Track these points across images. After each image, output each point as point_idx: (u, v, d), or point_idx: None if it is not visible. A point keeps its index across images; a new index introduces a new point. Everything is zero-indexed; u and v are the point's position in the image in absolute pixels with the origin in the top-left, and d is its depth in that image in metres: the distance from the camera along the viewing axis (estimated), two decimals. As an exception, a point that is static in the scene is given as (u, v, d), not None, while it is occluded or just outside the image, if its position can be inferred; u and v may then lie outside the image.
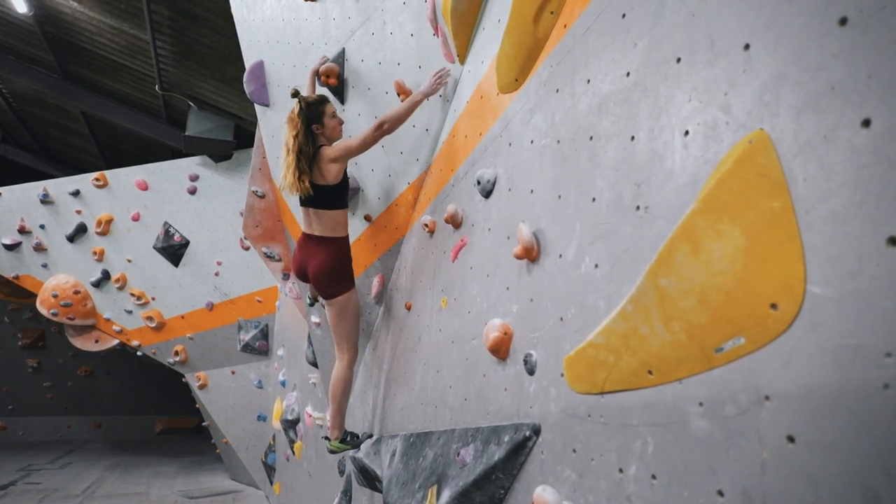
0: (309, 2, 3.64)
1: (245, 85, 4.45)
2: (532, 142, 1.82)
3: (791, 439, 0.84)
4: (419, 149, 3.02)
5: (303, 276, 3.18)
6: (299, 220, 4.34)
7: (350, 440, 3.21)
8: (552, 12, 1.76)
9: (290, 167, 2.85)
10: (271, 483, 7.97)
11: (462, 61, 2.66)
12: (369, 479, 3.18)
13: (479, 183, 2.13)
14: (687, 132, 1.13)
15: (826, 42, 0.86)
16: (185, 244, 8.82)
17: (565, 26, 1.70)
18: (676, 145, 1.15)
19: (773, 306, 0.87)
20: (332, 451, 3.21)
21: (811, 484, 0.81)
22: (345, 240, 3.14)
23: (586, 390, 1.33)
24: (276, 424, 7.37)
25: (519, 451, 1.58)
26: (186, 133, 7.82)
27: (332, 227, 3.06)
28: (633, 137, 1.30)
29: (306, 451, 5.67)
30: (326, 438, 3.19)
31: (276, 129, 4.40)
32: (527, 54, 1.88)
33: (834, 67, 0.85)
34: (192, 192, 8.70)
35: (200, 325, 9.03)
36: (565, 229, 1.54)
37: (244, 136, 8.38)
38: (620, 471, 1.20)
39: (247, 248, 8.74)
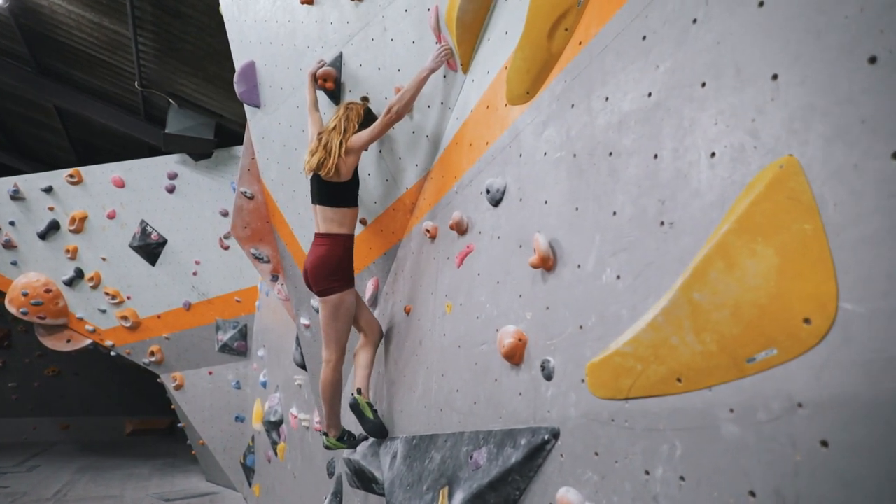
0: (305, 5, 3.64)
1: (235, 85, 4.42)
2: (545, 154, 1.88)
3: (825, 444, 0.91)
4: (418, 154, 3.06)
5: (306, 279, 3.13)
6: (290, 221, 4.36)
7: (347, 439, 3.23)
8: (567, 29, 1.82)
9: (332, 147, 2.96)
10: (250, 485, 7.91)
11: (465, 70, 2.71)
12: (365, 481, 3.21)
13: (488, 192, 2.18)
14: (713, 154, 1.20)
15: (856, 77, 0.94)
16: (163, 243, 8.70)
17: (580, 43, 1.76)
18: (702, 165, 1.22)
19: (807, 321, 0.94)
20: (327, 448, 3.25)
21: (844, 485, 0.88)
22: (347, 237, 3.10)
23: (610, 396, 1.39)
24: (257, 426, 7.33)
25: (536, 454, 1.64)
26: (166, 131, 7.71)
27: (337, 224, 3.05)
28: (656, 156, 1.36)
29: (290, 452, 5.66)
30: (325, 434, 3.20)
31: (266, 131, 4.40)
32: (539, 68, 1.94)
33: (863, 101, 0.92)
34: (171, 190, 8.58)
35: (177, 325, 8.92)
36: (583, 241, 1.60)
37: (225, 134, 8.30)
38: (647, 473, 1.27)
39: (226, 248, 8.66)
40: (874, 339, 0.86)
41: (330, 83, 3.48)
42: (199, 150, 8.18)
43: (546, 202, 1.83)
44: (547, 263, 1.73)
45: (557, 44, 1.86)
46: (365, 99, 3.31)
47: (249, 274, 8.66)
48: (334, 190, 3.05)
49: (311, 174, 3.12)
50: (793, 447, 0.96)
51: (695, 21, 1.30)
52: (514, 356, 1.82)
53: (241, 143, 8.56)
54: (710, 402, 1.12)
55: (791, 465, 0.96)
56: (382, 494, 3.01)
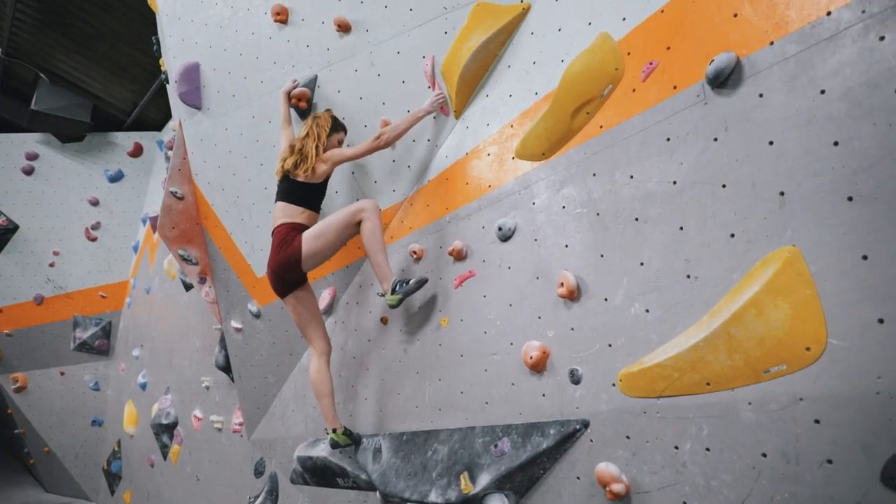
0: (278, 22, 3.81)
1: (175, 85, 4.37)
2: (564, 207, 2.41)
3: (817, 421, 1.55)
4: (397, 182, 3.43)
5: (276, 281, 3.19)
6: (228, 226, 4.42)
7: (348, 435, 3.16)
8: (588, 112, 2.38)
9: (308, 150, 3.18)
10: (113, 492, 7.45)
11: (457, 116, 3.16)
12: (326, 477, 3.48)
13: (499, 229, 2.66)
14: (733, 235, 1.81)
15: (840, 208, 1.59)
16: (13, 229, 7.83)
17: (601, 127, 2.32)
18: (722, 241, 1.83)
19: (808, 349, 1.57)
20: (335, 446, 3.15)
21: (831, 444, 1.51)
22: (303, 226, 3.21)
23: (642, 395, 1.95)
24: (130, 429, 6.98)
25: (566, 441, 2.16)
26: (34, 107, 7.01)
27: (296, 216, 3.21)
28: (681, 228, 1.96)
29: (190, 455, 5.57)
30: (334, 431, 3.12)
31: (206, 134, 4.41)
32: (559, 137, 2.47)
33: (843, 222, 1.58)
34: (29, 171, 7.77)
35: (23, 321, 8.07)
36: (610, 281, 2.16)
37: (101, 118, 7.73)
38: (676, 447, 1.85)
39: (93, 239, 8.04)
40: (850, 361, 1.51)
41: (303, 102, 3.70)
42: (70, 132, 7.54)
43: (567, 246, 2.36)
44: (572, 295, 2.26)
45: (578, 122, 2.41)
46: (328, 110, 3.52)
47: (119, 268, 8.16)
48: (302, 189, 3.23)
49: (282, 176, 3.30)
50: (795, 424, 1.59)
51: (716, 139, 1.91)
52: (539, 365, 2.33)
53: (119, 129, 8.04)
54: (734, 398, 1.72)
55: (794, 435, 1.58)
56: (351, 487, 3.33)
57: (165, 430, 5.90)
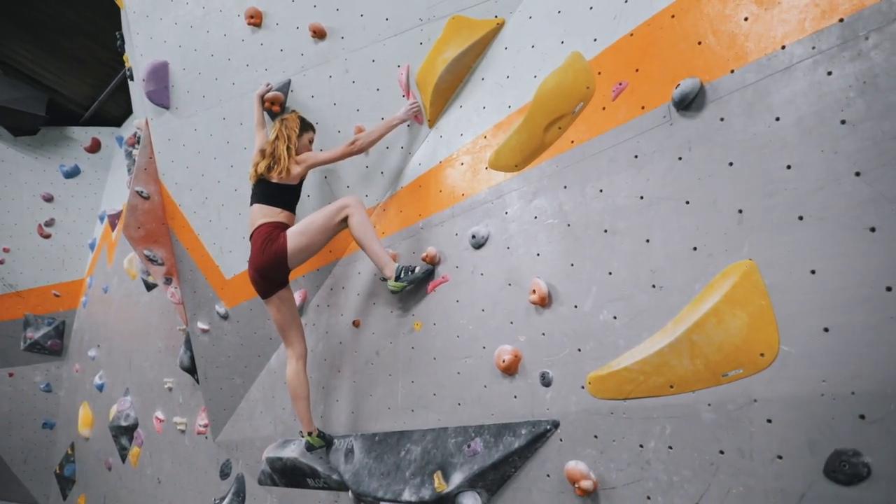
0: (252, 25, 3.82)
1: (144, 84, 4.33)
2: (536, 217, 2.52)
3: (769, 420, 1.69)
4: (370, 187, 3.49)
5: (260, 281, 3.18)
6: (196, 227, 4.39)
7: (321, 437, 3.24)
8: (560, 128, 2.50)
9: (280, 153, 3.20)
10: (66, 496, 7.25)
11: (431, 125, 3.25)
12: (296, 477, 3.52)
13: (473, 237, 2.75)
14: (695, 248, 1.95)
15: (792, 226, 1.74)
16: (-41, 225, 7.53)
17: (572, 142, 2.44)
18: (685, 254, 1.97)
19: (762, 354, 1.72)
20: (310, 449, 3.22)
21: (781, 441, 1.66)
22: (285, 224, 3.24)
23: (610, 397, 2.08)
24: (85, 431, 6.82)
25: (537, 440, 2.27)
26: (-15, 99, 6.77)
27: (276, 216, 3.23)
28: (647, 240, 2.09)
29: (151, 457, 5.48)
30: (309, 434, 3.19)
31: (174, 134, 4.38)
32: (532, 150, 2.58)
33: (794, 239, 1.73)
34: (-23, 165, 7.48)
35: (-30, 320, 7.76)
36: (580, 289, 2.28)
37: (57, 112, 7.50)
38: (641, 446, 1.98)
39: (46, 236, 7.80)
40: (799, 366, 1.66)
41: (276, 106, 3.73)
42: (23, 125, 7.30)
43: (538, 255, 2.47)
44: (544, 301, 2.37)
45: (551, 136, 2.52)
46: (293, 111, 3.56)
47: (73, 266, 7.94)
48: (278, 191, 3.26)
49: (256, 179, 3.32)
50: (750, 423, 1.73)
51: (680, 159, 2.05)
52: (511, 368, 2.43)
53: (76, 123, 7.82)
54: (695, 399, 1.86)
55: (748, 433, 1.73)
56: (322, 487, 3.38)
57: (124, 433, 5.79)
